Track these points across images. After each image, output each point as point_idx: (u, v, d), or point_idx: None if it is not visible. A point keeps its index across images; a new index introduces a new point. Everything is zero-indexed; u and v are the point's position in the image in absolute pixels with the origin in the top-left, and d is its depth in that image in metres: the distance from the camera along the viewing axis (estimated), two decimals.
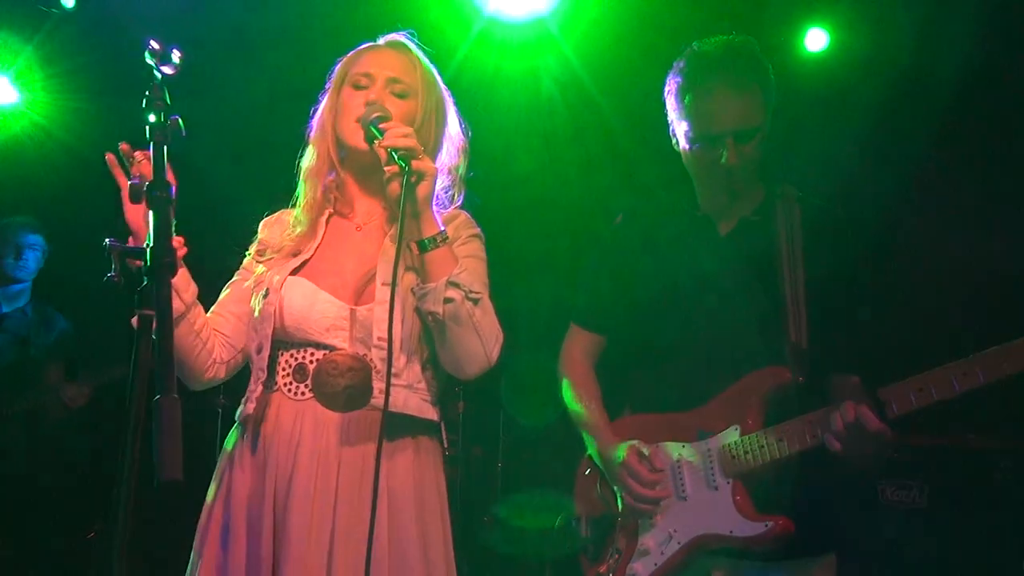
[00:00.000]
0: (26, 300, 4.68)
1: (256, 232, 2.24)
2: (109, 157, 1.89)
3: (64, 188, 4.79)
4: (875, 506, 3.53)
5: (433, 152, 2.13)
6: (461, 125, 2.23)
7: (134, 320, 1.38)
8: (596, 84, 4.52)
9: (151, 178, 1.45)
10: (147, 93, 1.52)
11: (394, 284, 1.91)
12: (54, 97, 4.86)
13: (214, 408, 4.54)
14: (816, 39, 4.46)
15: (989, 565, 3.35)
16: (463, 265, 1.98)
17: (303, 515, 1.92)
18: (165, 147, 1.49)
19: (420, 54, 2.18)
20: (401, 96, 2.10)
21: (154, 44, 1.56)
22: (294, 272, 2.08)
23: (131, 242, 1.86)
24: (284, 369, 2.04)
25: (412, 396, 2.02)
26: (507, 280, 2.41)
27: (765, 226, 2.44)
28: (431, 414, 2.06)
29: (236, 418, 2.09)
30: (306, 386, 2.00)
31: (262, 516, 1.94)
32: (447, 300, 1.92)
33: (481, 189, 2.28)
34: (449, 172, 2.19)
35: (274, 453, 1.98)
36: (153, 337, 1.32)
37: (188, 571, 2.01)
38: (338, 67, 2.20)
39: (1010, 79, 3.97)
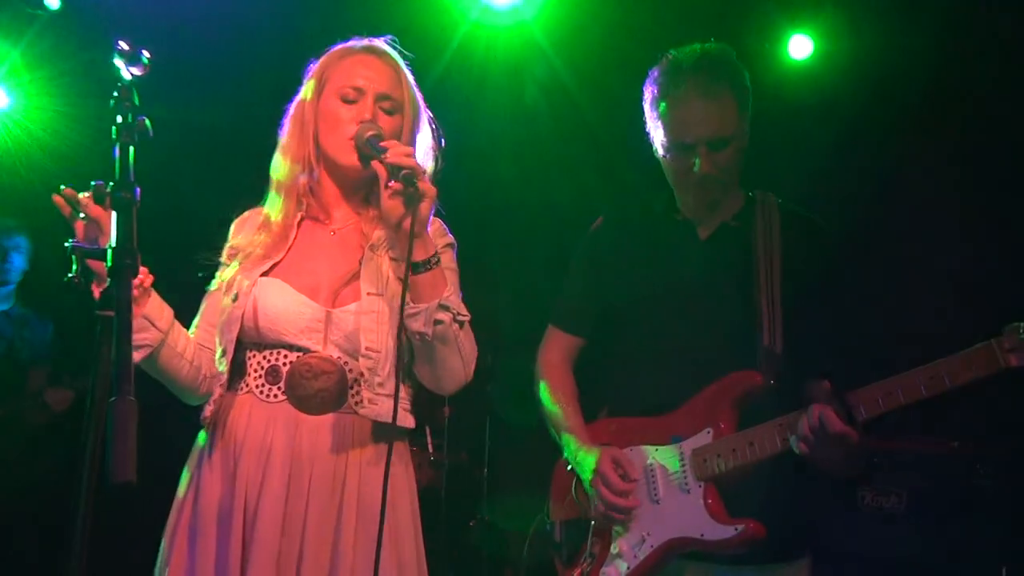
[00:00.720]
0: (10, 303, 4.65)
1: (228, 234, 2.22)
2: (57, 199, 1.91)
3: (48, 191, 4.75)
4: (853, 511, 3.53)
5: None
6: (433, 133, 2.23)
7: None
8: (580, 89, 4.53)
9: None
10: (115, 94, 1.52)
11: (403, 305, 1.91)
12: (41, 101, 4.85)
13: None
14: (800, 46, 4.45)
15: (967, 570, 3.35)
16: (451, 287, 2.00)
17: (274, 518, 1.91)
18: (131, 148, 1.49)
19: (403, 64, 2.18)
20: (389, 113, 2.11)
21: (123, 45, 1.56)
22: (264, 274, 2.07)
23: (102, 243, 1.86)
24: (256, 371, 2.02)
25: (392, 404, 2.02)
26: (492, 282, 2.41)
27: (744, 232, 2.45)
28: (408, 422, 2.07)
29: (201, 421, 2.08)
30: (279, 388, 1.99)
31: (231, 519, 1.93)
32: (437, 322, 1.94)
33: (465, 192, 2.28)
34: None
35: (245, 456, 1.97)
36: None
37: (157, 570, 2.00)
38: (316, 67, 2.17)
39: (991, 88, 3.99)
